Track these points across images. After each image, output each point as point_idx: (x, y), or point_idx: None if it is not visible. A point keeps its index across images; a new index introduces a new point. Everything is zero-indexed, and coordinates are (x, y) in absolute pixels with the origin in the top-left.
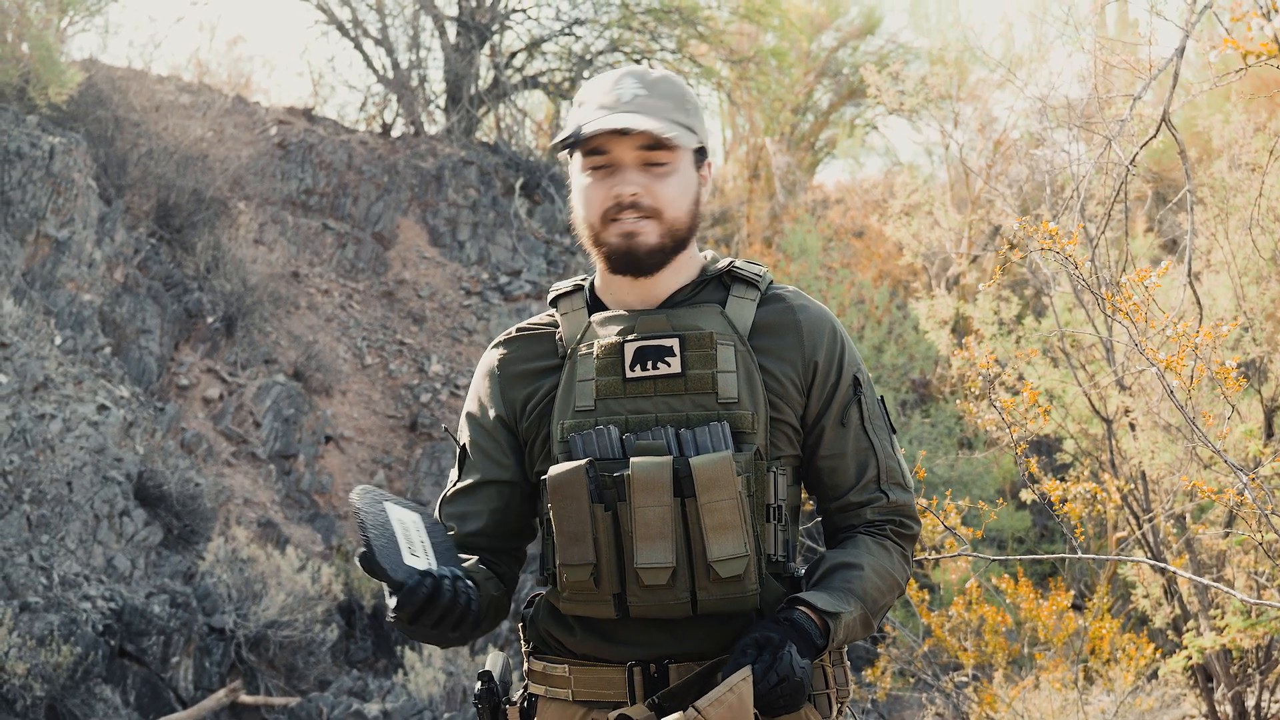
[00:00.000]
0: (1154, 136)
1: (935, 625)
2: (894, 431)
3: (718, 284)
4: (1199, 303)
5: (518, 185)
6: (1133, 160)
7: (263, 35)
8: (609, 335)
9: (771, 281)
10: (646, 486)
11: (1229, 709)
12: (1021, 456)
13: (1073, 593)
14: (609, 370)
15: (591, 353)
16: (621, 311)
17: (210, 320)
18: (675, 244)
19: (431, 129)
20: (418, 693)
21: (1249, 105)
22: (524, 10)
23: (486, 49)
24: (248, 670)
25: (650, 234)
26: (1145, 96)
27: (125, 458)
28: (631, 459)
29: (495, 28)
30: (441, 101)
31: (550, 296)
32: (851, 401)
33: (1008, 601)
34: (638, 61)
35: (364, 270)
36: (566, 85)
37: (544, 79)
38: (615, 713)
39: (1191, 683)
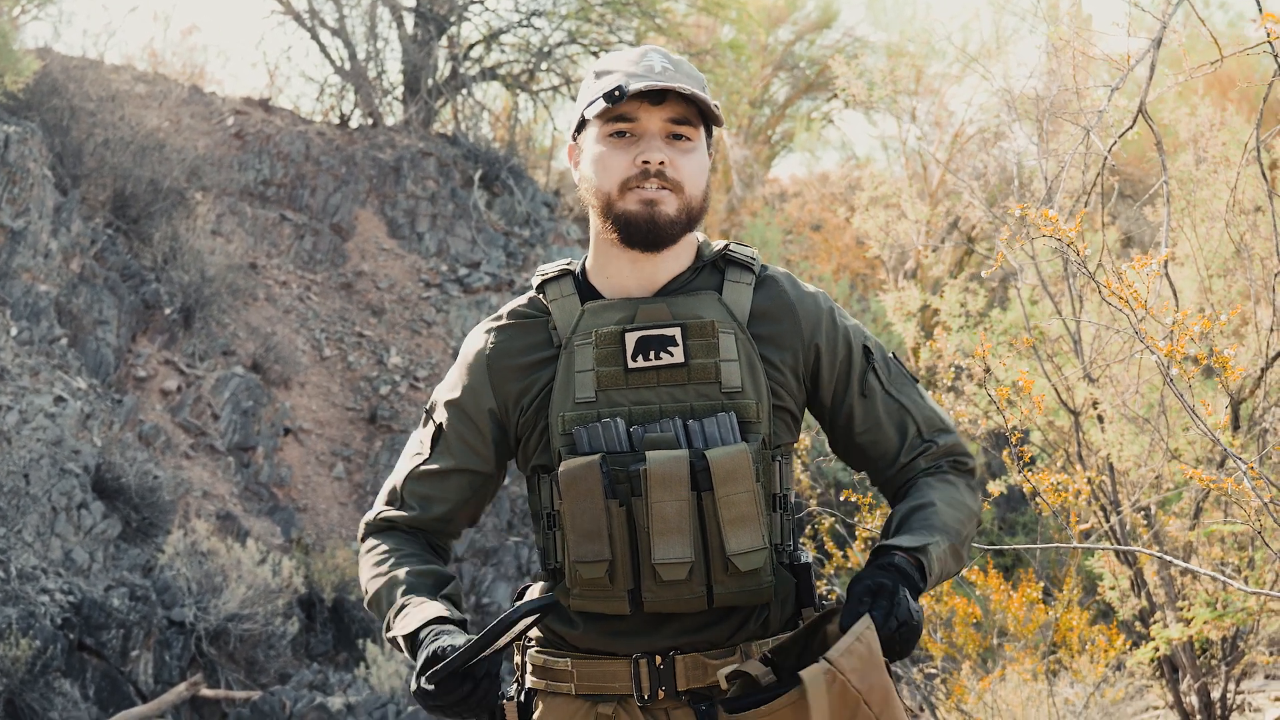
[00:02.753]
0: (1130, 128)
1: None
2: (916, 381)
3: (712, 268)
4: (1175, 294)
5: (476, 177)
6: (1110, 150)
7: (217, 25)
8: (607, 324)
9: (764, 265)
10: (664, 481)
11: (1194, 700)
12: (1015, 446)
13: (1041, 584)
14: (610, 360)
15: (590, 342)
16: (618, 299)
17: (168, 311)
18: (689, 222)
19: (389, 120)
20: (380, 686)
21: (1215, 99)
22: (482, 2)
23: (444, 40)
24: (208, 664)
25: (669, 205)
26: (1111, 87)
27: (83, 450)
28: (648, 454)
29: (453, 19)
30: (399, 93)
31: (536, 281)
32: (867, 370)
33: (977, 594)
34: (595, 54)
35: (322, 262)
36: (525, 77)
37: (502, 71)
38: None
39: (1157, 674)
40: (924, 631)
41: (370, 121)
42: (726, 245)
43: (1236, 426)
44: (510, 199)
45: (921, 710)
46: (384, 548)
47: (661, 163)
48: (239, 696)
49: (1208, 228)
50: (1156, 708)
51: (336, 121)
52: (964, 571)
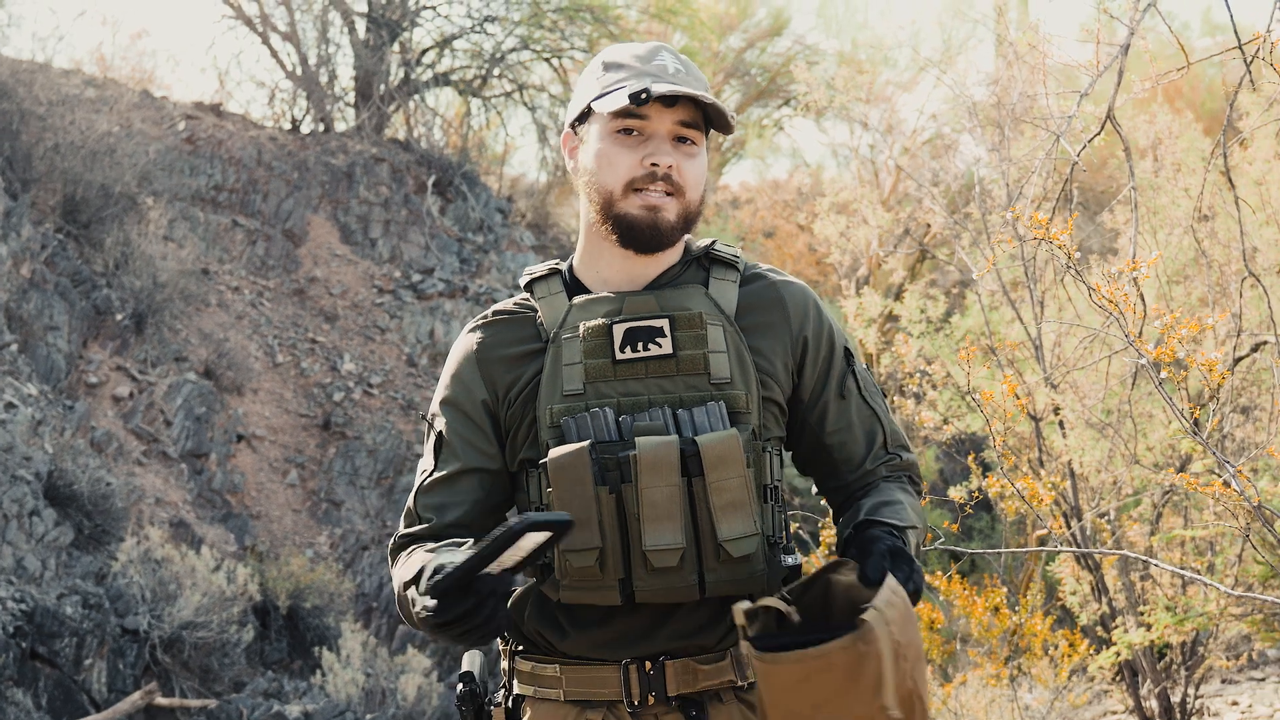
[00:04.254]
0: (1098, 134)
1: None
2: (884, 395)
3: (698, 265)
4: (1143, 299)
5: (430, 183)
6: (1079, 154)
7: (166, 30)
8: (594, 317)
9: (747, 262)
10: (654, 466)
11: (1154, 704)
12: (997, 448)
13: (1004, 589)
14: (597, 353)
15: (577, 335)
16: (605, 294)
17: (119, 317)
18: (686, 226)
19: (341, 126)
20: (336, 694)
21: (1174, 106)
22: (434, 7)
23: (396, 46)
24: (162, 672)
25: (671, 211)
26: (1081, 93)
27: (34, 456)
28: (637, 439)
29: (405, 24)
30: (351, 98)
31: (524, 281)
32: (847, 373)
33: (941, 599)
34: (547, 60)
35: (275, 268)
36: (477, 83)
37: (455, 76)
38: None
39: (1117, 678)
40: None
41: (322, 127)
42: (711, 243)
43: (1195, 432)
44: (464, 205)
45: None
46: (404, 556)
47: (670, 166)
48: (194, 705)
49: (1166, 234)
50: (1116, 712)
51: (288, 127)
52: (928, 577)
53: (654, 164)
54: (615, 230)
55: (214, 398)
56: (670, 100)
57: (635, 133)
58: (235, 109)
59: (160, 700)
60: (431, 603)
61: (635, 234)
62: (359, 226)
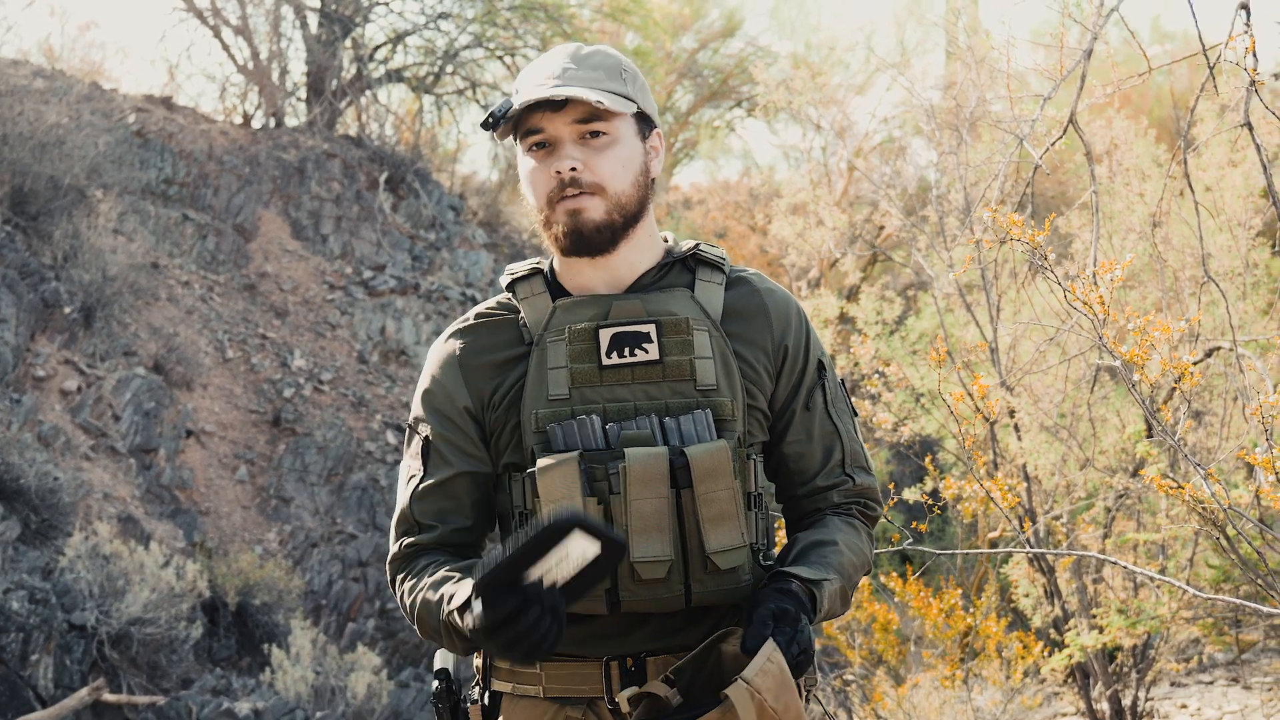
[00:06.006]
0: (1060, 137)
1: (826, 624)
2: (855, 415)
3: (682, 267)
4: (1103, 302)
5: (382, 179)
6: (1042, 156)
7: (116, 21)
8: (580, 320)
9: (733, 266)
10: (643, 478)
11: (1106, 707)
12: (970, 449)
13: (959, 590)
14: (583, 357)
15: (562, 339)
16: (590, 296)
17: (68, 310)
18: (625, 219)
19: (292, 121)
20: (285, 691)
21: (1130, 114)
22: (387, 3)
23: (349, 41)
24: (110, 668)
25: (595, 210)
26: (1044, 97)
27: None
28: (627, 450)
29: (358, 20)
30: (303, 93)
31: (505, 280)
32: (816, 385)
33: (895, 600)
34: (500, 58)
35: (225, 262)
36: (430, 80)
37: (407, 73)
38: (631, 691)
39: (1069, 681)
40: (842, 638)
41: (273, 122)
42: (696, 245)
43: (1150, 435)
44: (416, 202)
45: (835, 715)
46: (417, 568)
47: (574, 169)
48: (141, 701)
49: (1121, 239)
50: (1067, 714)
51: (239, 121)
52: (883, 579)
53: (558, 172)
54: (556, 244)
55: (163, 393)
56: (557, 105)
57: (545, 145)
58: (186, 102)
59: (108, 697)
60: (479, 607)
61: (567, 241)
62: (310, 222)
